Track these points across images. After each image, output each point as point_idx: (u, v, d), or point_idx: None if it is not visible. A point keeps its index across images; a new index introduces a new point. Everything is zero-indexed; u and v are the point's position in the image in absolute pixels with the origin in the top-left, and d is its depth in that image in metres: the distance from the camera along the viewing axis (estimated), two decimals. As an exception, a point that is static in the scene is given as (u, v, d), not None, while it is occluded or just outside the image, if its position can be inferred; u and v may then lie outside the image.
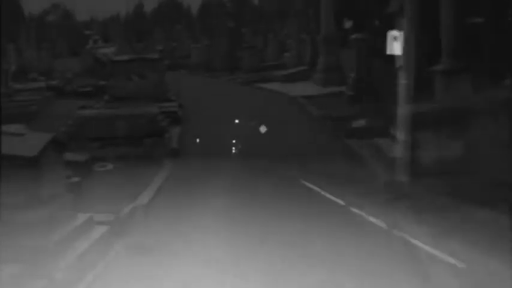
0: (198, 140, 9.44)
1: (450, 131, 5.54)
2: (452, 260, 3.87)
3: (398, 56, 10.23)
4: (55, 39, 58.66)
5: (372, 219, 4.92)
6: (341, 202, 5.49)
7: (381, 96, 12.27)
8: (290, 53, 21.94)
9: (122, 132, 9.31)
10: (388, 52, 10.11)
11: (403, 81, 10.00)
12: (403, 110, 6.02)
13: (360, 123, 8.89)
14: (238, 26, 43.07)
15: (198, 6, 65.44)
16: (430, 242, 4.16)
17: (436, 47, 12.85)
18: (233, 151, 8.53)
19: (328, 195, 5.73)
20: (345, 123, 9.09)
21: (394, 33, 10.02)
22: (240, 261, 4.25)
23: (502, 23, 10.22)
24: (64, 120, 9.71)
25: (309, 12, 20.45)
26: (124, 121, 9.35)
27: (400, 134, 5.89)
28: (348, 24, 28.93)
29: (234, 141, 9.18)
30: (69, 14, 71.78)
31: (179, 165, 7.91)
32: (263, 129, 9.75)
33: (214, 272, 4.05)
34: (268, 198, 5.93)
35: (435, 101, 6.68)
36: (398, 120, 6.20)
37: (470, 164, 5.34)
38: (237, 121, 11.03)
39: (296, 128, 10.08)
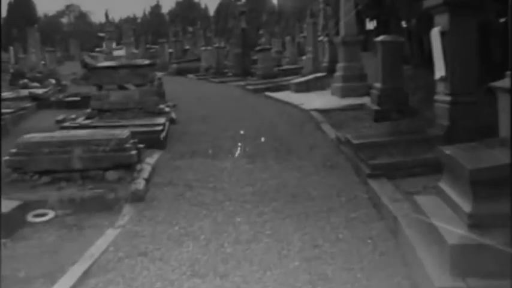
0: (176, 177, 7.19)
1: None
2: None
3: (438, 64, 7.93)
4: (67, 42, 57.43)
5: None
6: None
7: (416, 114, 10.03)
8: (306, 57, 19.67)
9: (78, 164, 7.19)
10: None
11: (445, 98, 7.70)
12: (461, 158, 3.73)
13: (389, 155, 6.59)
14: (254, 27, 41.09)
15: (216, 7, 63.78)
16: None
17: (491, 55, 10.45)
18: (215, 193, 6.30)
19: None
20: (369, 152, 6.80)
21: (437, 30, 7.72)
22: None
23: None
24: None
25: (327, 10, 18.16)
26: (81, 149, 7.22)
27: (459, 199, 3.61)
28: (370, 25, 26.69)
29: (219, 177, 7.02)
30: (83, 15, 70.73)
31: (140, 216, 5.71)
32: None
33: None
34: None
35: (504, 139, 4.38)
36: (449, 172, 3.92)
37: None
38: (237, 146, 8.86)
39: (306, 158, 7.79)
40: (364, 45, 17.42)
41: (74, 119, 12.41)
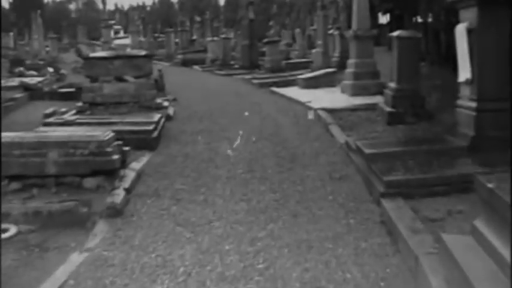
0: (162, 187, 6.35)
1: None
2: None
3: (463, 64, 7.02)
4: (75, 28, 56.76)
5: None
6: None
7: (432, 118, 9.16)
8: (316, 51, 18.74)
9: (53, 168, 6.38)
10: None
11: (471, 104, 6.79)
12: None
13: (406, 169, 5.72)
14: (264, 18, 40.07)
15: (225, -3, 62.78)
16: None
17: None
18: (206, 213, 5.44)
19: None
20: (383, 164, 5.93)
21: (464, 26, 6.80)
22: None
23: None
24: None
25: (339, 2, 17.20)
26: (56, 151, 6.40)
27: (504, 250, 2.76)
28: (383, 19, 25.58)
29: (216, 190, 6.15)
30: (91, 1, 69.86)
31: (114, 237, 4.88)
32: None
33: None
34: None
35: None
36: (491, 210, 3.06)
37: None
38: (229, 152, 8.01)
39: (311, 167, 6.91)
40: (377, 40, 16.48)
41: (63, 113, 11.62)
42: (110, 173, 6.41)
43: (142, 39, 42.18)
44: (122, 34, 49.03)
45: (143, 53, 12.07)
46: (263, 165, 7.02)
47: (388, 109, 9.30)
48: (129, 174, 6.55)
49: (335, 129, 8.99)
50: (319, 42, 18.38)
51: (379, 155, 6.26)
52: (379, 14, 22.55)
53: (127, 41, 38.28)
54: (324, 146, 8.00)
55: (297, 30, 30.62)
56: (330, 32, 18.44)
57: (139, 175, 6.69)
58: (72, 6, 68.60)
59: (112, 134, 6.75)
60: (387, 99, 9.59)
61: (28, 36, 38.12)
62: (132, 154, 7.53)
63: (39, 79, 16.53)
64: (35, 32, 33.72)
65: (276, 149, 7.84)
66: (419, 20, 16.59)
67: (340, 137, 8.46)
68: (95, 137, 6.52)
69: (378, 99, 11.15)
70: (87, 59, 11.84)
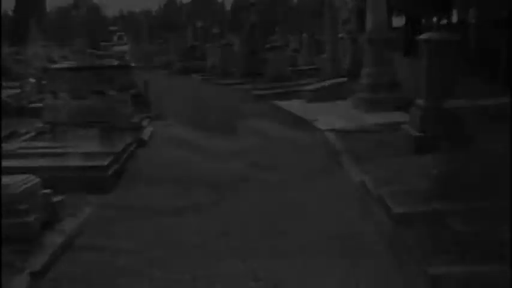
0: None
1: None
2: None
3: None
4: (77, 35, 55.17)
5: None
6: None
7: (470, 142, 7.10)
8: (324, 57, 16.72)
9: None
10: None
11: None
12: None
13: (463, 247, 3.68)
14: (270, 23, 38.13)
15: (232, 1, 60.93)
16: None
17: None
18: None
19: None
20: (423, 235, 3.90)
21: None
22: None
23: None
24: None
25: (349, 3, 15.21)
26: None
27: None
28: (397, 21, 23.52)
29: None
30: (95, 8, 68.30)
31: None
32: None
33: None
34: None
35: None
36: None
37: None
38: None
39: (314, 227, 4.87)
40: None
41: (22, 134, 9.74)
42: (25, 241, 4.45)
43: (144, 45, 40.59)
44: (124, 40, 47.46)
45: (116, 63, 10.15)
46: (245, 228, 4.96)
47: (415, 133, 7.29)
48: (52, 242, 4.55)
49: (347, 161, 6.97)
50: (328, 47, 16.36)
51: (415, 216, 4.24)
52: (392, 17, 20.48)
53: (125, 47, 36.64)
54: (333, 189, 5.95)
55: (304, 35, 28.63)
56: (340, 35, 16.45)
57: (70, 243, 4.69)
58: (73, 12, 66.96)
59: (34, 182, 4.79)
60: (414, 120, 7.57)
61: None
62: (77, 199, 5.62)
63: (13, 92, 14.63)
64: (31, 40, 32.14)
65: (267, 195, 5.81)
66: (444, 21, 14.56)
67: (354, 172, 6.46)
68: (4, 189, 4.54)
69: (398, 117, 9.19)
70: (48, 70, 9.94)
